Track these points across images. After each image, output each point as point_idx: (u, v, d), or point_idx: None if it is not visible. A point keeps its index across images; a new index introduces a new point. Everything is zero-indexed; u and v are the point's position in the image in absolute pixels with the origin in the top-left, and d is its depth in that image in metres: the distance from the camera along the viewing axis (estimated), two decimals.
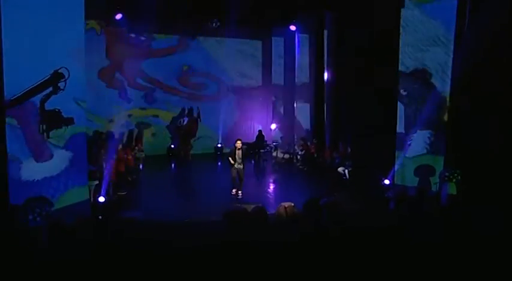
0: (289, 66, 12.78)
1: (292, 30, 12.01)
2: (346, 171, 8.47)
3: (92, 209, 6.04)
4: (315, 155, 10.30)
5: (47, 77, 5.84)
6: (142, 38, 12.05)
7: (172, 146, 12.50)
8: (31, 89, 5.60)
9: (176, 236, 3.28)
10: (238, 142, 7.99)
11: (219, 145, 13.01)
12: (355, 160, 8.13)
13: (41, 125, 5.77)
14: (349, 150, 8.75)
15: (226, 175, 8.62)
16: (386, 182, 6.79)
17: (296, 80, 12.42)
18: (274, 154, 12.24)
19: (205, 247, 3.09)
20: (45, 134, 5.84)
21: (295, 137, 12.29)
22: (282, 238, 3.47)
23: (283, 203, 4.46)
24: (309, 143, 11.08)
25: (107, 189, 7.05)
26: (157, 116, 12.61)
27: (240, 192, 7.79)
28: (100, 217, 3.46)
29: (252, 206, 4.01)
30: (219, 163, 11.72)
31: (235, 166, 7.83)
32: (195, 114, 13.20)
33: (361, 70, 8.07)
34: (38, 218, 4.09)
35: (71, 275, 2.46)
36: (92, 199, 6.52)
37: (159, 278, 2.52)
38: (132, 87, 12.01)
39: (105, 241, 3.16)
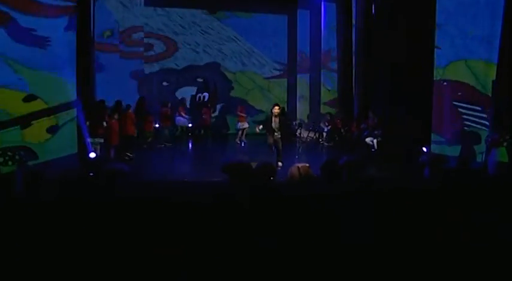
0: (315, 39, 12.29)
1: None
2: (375, 141, 7.89)
3: (83, 164, 6.04)
4: (342, 130, 9.80)
5: None
6: None
7: (190, 125, 12.31)
8: None
9: (167, 193, 3.02)
10: (276, 107, 7.30)
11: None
12: (386, 129, 7.51)
13: None
14: (377, 119, 8.15)
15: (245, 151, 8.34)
16: (424, 149, 6.15)
17: (322, 51, 11.88)
18: (298, 132, 11.79)
19: (200, 203, 2.81)
20: None
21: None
22: (288, 197, 3.12)
23: (297, 164, 4.09)
24: (335, 118, 10.55)
25: (107, 147, 7.29)
26: None
27: (279, 163, 7.07)
28: (91, 174, 3.29)
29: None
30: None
31: (273, 136, 7.17)
32: (213, 88, 12.96)
33: (393, 34, 7.38)
34: (9, 162, 4.01)
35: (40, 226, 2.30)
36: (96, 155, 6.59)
37: (143, 233, 2.27)
38: None
39: (88, 195, 2.97)
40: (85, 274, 1.96)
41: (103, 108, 8.06)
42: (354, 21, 9.95)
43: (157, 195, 2.92)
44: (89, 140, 6.79)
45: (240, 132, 10.94)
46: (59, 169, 3.30)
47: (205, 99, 12.41)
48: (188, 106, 12.54)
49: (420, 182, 4.21)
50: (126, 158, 7.93)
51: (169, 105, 10.74)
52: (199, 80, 12.93)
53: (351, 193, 3.41)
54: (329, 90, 11.81)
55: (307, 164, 4.17)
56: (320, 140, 11.15)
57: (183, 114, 11.35)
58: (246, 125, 10.98)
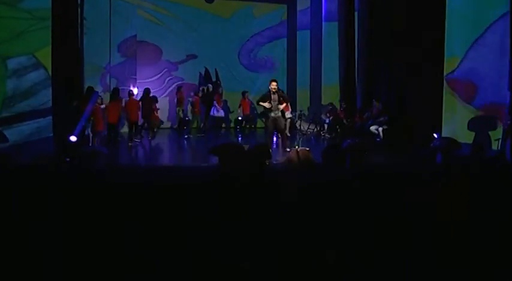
0: (315, 26, 11.94)
1: None
2: (380, 129, 7.55)
3: (59, 148, 5.69)
4: (344, 121, 9.46)
5: None
6: None
7: (187, 118, 11.95)
8: None
9: (146, 178, 2.71)
10: (273, 83, 6.69)
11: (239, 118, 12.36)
12: (391, 116, 7.18)
13: None
14: (381, 106, 7.81)
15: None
16: (434, 136, 5.80)
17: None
18: (298, 125, 11.43)
19: (184, 188, 2.50)
20: None
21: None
22: (284, 183, 2.80)
23: (296, 147, 3.81)
24: (337, 109, 10.22)
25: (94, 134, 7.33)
26: None
27: (287, 148, 6.55)
28: (68, 159, 2.96)
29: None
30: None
31: (272, 114, 6.58)
32: (214, 79, 12.58)
33: (401, 17, 7.03)
34: None
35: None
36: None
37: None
38: None
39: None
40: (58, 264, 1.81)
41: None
42: (356, 8, 9.60)
43: (135, 180, 2.62)
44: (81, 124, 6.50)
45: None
46: (32, 153, 2.97)
47: (211, 91, 11.96)
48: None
49: (432, 168, 3.90)
50: (130, 143, 8.29)
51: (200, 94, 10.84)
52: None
53: (354, 179, 3.11)
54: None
55: (307, 148, 3.85)
56: (321, 132, 10.80)
57: (219, 105, 10.94)
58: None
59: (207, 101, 11.14)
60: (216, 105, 10.87)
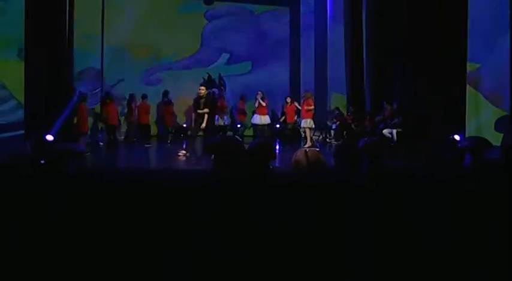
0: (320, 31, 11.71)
1: None
2: (394, 132, 7.17)
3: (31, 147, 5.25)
4: (352, 125, 9.11)
5: None
6: None
7: (185, 125, 11.42)
8: None
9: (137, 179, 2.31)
10: (202, 87, 7.04)
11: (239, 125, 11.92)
12: (406, 118, 6.79)
13: None
14: (396, 106, 7.44)
15: None
16: (456, 138, 5.38)
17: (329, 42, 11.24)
18: (302, 132, 11.05)
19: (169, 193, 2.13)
20: None
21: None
22: (290, 187, 2.42)
23: (304, 147, 3.42)
24: (345, 114, 9.87)
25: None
26: None
27: (183, 152, 6.62)
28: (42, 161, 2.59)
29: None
30: None
31: (199, 119, 6.63)
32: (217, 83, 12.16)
33: (415, 12, 6.70)
34: None
35: None
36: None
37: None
38: None
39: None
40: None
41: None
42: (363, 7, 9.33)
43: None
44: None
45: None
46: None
47: (216, 96, 11.56)
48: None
49: (460, 172, 3.51)
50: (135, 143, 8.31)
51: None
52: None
53: (373, 183, 2.72)
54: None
55: (317, 149, 3.44)
56: (328, 138, 10.42)
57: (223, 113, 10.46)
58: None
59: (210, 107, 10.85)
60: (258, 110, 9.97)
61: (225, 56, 12.66)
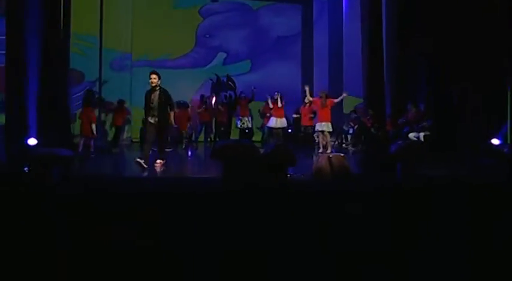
0: (335, 25, 11.47)
1: None
2: (421, 136, 6.84)
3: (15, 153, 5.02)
4: (372, 129, 8.79)
5: None
6: None
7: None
8: None
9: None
10: (152, 75, 5.52)
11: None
12: (435, 119, 6.45)
13: None
14: (423, 108, 7.13)
15: None
16: (495, 142, 5.01)
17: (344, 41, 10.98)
18: (316, 137, 10.75)
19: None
20: None
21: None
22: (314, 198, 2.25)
23: (326, 153, 3.14)
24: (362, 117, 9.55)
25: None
26: None
27: (143, 160, 5.38)
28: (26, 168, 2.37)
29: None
30: None
31: (150, 119, 5.52)
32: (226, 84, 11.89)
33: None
34: None
35: None
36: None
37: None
38: None
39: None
40: None
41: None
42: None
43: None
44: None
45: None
46: None
47: (233, 98, 11.31)
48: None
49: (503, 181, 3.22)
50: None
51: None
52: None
53: (410, 194, 2.51)
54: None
55: (342, 154, 3.18)
56: (344, 144, 10.13)
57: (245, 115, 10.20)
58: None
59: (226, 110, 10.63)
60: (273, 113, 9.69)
61: (222, 55, 12.44)
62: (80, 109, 8.44)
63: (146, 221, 1.78)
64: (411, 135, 7.09)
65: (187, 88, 11.18)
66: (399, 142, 3.12)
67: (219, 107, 10.80)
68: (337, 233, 2.00)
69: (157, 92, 5.56)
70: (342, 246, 1.92)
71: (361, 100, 10.42)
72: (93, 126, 7.81)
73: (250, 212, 2.03)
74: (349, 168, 2.93)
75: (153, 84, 5.53)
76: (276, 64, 12.30)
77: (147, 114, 5.64)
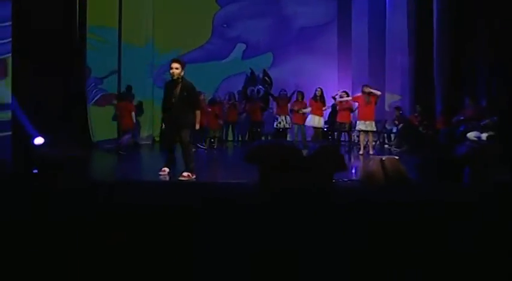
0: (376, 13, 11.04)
1: None
2: (483, 136, 6.36)
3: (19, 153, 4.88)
4: (420, 128, 8.36)
5: None
6: None
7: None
8: None
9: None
10: (174, 64, 4.83)
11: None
12: (501, 117, 5.94)
13: None
14: (484, 104, 6.63)
15: None
16: None
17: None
18: (356, 137, 10.37)
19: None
20: None
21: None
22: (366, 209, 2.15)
23: (377, 156, 2.91)
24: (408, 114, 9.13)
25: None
26: None
27: (166, 170, 4.98)
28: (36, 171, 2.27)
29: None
30: None
31: (168, 121, 5.03)
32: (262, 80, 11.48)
33: None
34: None
35: None
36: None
37: None
38: None
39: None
40: None
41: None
42: None
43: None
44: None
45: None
46: None
47: (261, 94, 11.12)
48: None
49: None
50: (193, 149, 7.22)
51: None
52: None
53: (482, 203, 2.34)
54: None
55: (396, 157, 2.96)
56: (386, 144, 9.70)
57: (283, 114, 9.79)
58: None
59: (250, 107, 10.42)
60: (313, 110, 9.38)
61: (241, 47, 11.98)
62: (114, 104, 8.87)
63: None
64: (471, 135, 6.59)
65: (205, 85, 10.66)
66: (467, 143, 2.81)
67: (252, 104, 10.59)
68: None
69: (180, 86, 4.85)
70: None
71: (399, 97, 10.14)
72: (133, 114, 8.23)
73: (291, 227, 1.85)
74: (406, 173, 2.66)
75: (174, 76, 4.83)
76: (301, 57, 11.71)
77: (165, 110, 5.06)
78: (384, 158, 2.60)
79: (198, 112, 5.07)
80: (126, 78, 10.01)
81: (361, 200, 1.96)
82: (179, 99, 4.83)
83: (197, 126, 5.11)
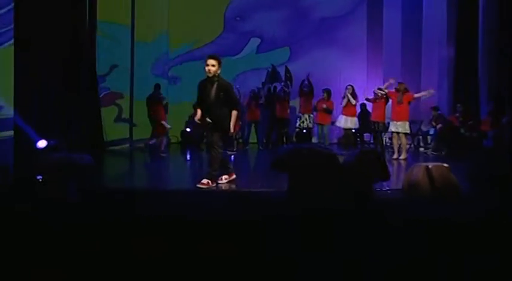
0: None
1: None
2: None
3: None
4: (462, 130, 8.04)
5: None
6: None
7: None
8: None
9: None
10: (210, 60, 4.65)
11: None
12: None
13: None
14: None
15: None
16: None
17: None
18: (389, 140, 10.04)
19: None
20: None
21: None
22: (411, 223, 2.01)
23: (421, 163, 2.72)
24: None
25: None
26: None
27: (206, 180, 4.66)
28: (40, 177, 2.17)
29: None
30: None
31: (206, 126, 4.83)
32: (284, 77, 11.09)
33: None
34: None
35: None
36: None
37: None
38: None
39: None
40: None
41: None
42: None
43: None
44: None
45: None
46: None
47: (277, 91, 10.96)
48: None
49: None
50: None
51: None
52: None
53: None
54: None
55: (445, 165, 2.74)
56: (422, 147, 9.35)
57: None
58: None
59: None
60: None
61: (255, 42, 11.65)
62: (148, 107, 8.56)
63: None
64: None
65: None
66: None
67: (280, 101, 10.34)
68: None
69: (215, 85, 4.65)
70: None
71: (434, 92, 9.66)
72: (164, 123, 8.33)
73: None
74: (457, 183, 2.43)
75: (211, 74, 4.61)
76: (322, 52, 11.28)
77: (202, 112, 4.83)
78: (430, 166, 2.37)
79: (234, 113, 4.75)
80: (137, 75, 10.04)
81: (409, 219, 1.75)
82: (215, 101, 4.65)
83: (231, 130, 4.83)
